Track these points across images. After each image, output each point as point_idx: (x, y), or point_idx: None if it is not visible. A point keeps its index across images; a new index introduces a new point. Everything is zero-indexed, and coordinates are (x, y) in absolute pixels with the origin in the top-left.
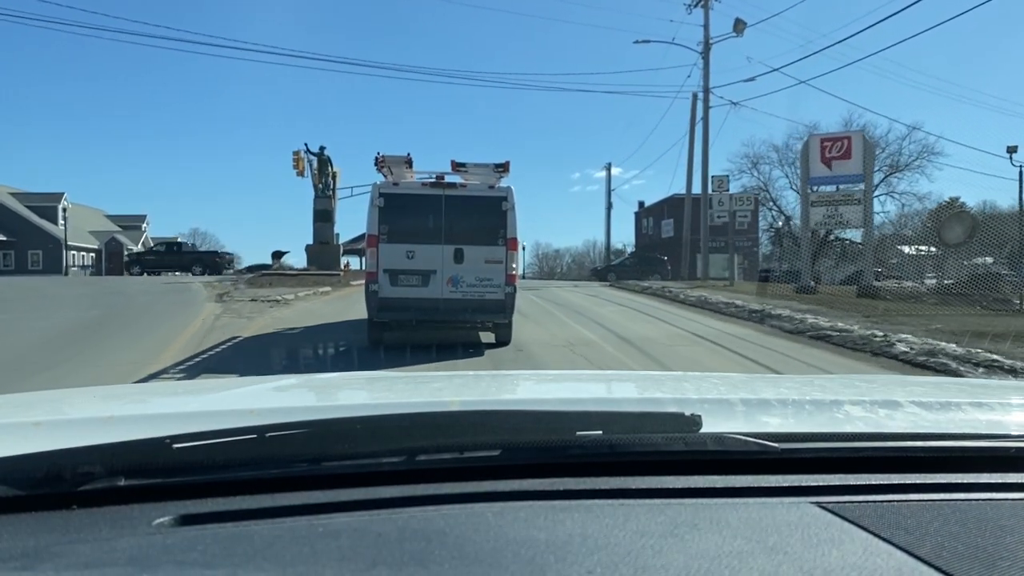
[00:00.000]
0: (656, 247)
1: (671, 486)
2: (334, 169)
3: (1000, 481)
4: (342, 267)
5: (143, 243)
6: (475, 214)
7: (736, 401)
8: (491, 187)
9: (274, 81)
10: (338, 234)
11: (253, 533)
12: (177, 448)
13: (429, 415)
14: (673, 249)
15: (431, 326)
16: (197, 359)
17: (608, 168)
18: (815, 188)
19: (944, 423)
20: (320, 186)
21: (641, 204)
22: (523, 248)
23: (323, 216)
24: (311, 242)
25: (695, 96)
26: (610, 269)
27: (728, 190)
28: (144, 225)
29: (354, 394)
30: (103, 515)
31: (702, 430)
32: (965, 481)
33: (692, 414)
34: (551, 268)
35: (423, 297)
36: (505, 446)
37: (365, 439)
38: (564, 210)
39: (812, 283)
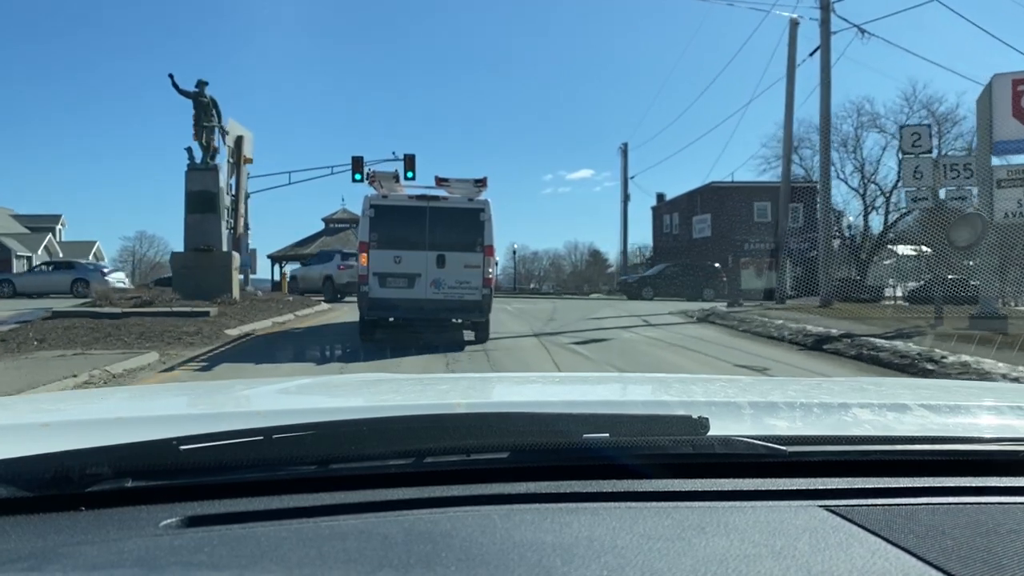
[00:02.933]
0: (682, 251)
1: (678, 489)
2: (224, 125)
3: (1010, 485)
4: (283, 280)
5: (45, 247)
6: (456, 224)
7: (744, 404)
8: (470, 200)
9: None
10: (248, 232)
11: (260, 535)
12: (184, 449)
13: (436, 417)
14: (709, 252)
15: (416, 324)
16: None
17: (624, 149)
18: (1005, 158)
19: (953, 426)
20: (200, 148)
21: (660, 197)
22: (514, 253)
23: (201, 201)
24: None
25: (794, 22)
26: (646, 282)
27: (931, 152)
28: (59, 227)
29: (360, 396)
30: (110, 516)
31: (709, 433)
32: (975, 485)
33: (699, 417)
34: (528, 271)
35: (409, 298)
36: (512, 448)
37: (372, 441)
38: (540, 211)
39: (1000, 309)
